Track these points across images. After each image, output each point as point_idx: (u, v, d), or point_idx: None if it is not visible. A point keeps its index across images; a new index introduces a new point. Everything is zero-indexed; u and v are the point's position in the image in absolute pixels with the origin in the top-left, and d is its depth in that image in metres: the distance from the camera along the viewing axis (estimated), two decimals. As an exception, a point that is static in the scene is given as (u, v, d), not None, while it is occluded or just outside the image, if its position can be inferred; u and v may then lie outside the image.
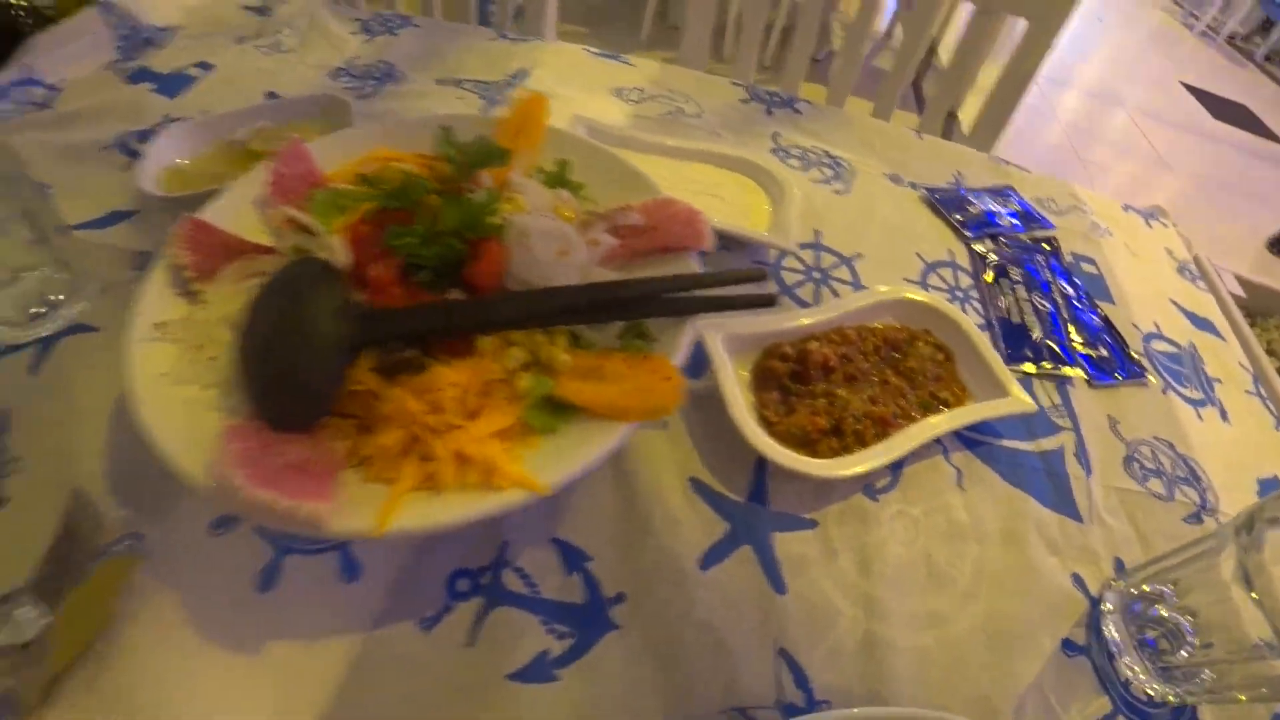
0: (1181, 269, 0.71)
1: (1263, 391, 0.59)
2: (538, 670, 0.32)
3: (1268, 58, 4.21)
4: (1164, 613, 0.39)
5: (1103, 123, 3.29)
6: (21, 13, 0.69)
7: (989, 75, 0.92)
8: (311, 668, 0.32)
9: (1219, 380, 0.58)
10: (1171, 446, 0.51)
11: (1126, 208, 0.77)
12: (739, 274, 0.39)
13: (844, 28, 2.37)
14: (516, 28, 0.85)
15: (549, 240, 0.37)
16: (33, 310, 0.46)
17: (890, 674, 0.35)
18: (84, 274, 0.49)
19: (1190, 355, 0.60)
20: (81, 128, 0.62)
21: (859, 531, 0.40)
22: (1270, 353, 0.78)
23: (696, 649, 0.34)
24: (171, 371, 0.34)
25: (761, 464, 0.41)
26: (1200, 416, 0.54)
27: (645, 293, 0.36)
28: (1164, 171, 2.95)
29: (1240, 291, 0.81)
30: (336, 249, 0.36)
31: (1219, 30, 4.43)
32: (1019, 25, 0.84)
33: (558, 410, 0.32)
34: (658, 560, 0.36)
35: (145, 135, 0.61)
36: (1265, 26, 4.32)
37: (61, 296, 0.47)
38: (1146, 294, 0.64)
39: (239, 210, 0.42)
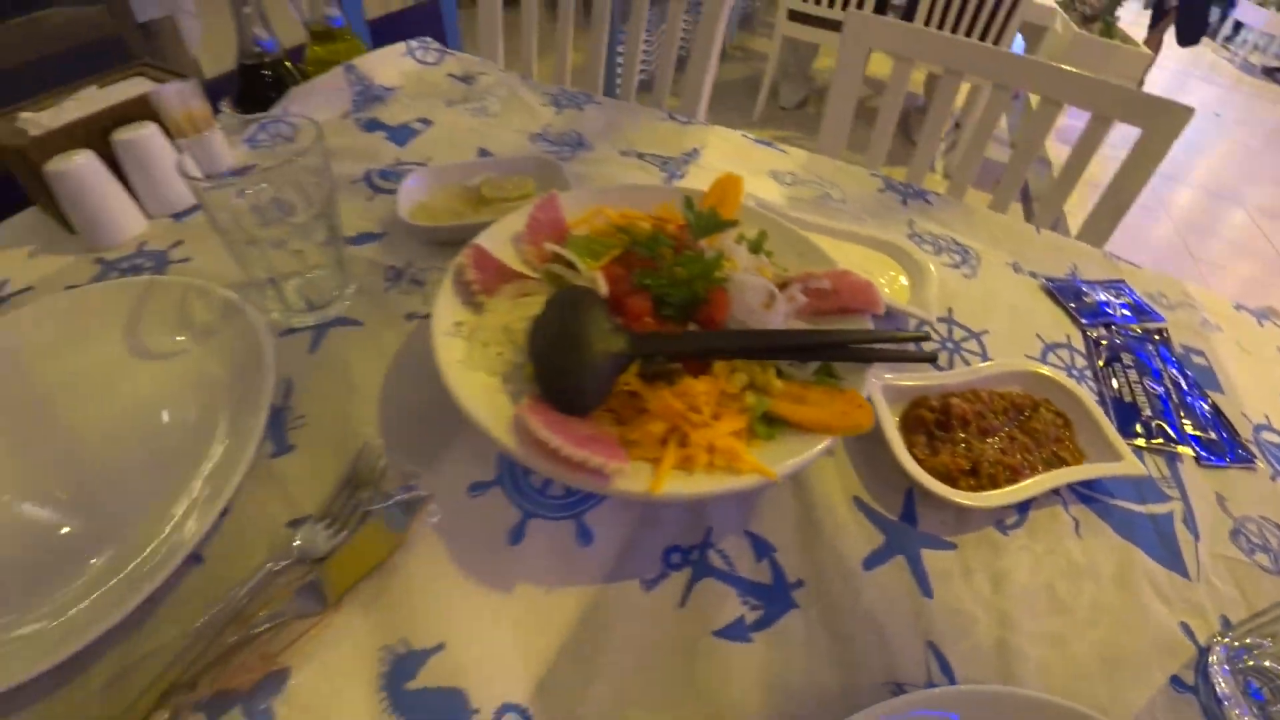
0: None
1: None
2: (736, 631, 0.41)
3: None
4: (1267, 663, 0.45)
5: (1220, 221, 3.32)
6: (290, 69, 0.86)
7: (1095, 169, 1.00)
8: (551, 609, 0.42)
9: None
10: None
11: (1238, 306, 0.83)
12: (907, 335, 0.48)
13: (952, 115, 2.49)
14: (675, 103, 1.00)
15: (758, 294, 0.47)
16: (310, 301, 0.59)
17: (1020, 678, 0.42)
18: (350, 277, 0.62)
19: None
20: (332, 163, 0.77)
21: (991, 558, 0.48)
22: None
23: (861, 631, 0.42)
24: (465, 360, 0.45)
25: (910, 492, 0.50)
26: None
27: (834, 341, 0.46)
28: (1286, 274, 2.90)
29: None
30: (599, 282, 0.47)
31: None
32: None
33: (772, 423, 0.42)
34: (829, 557, 0.45)
35: (385, 174, 0.76)
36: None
37: (335, 294, 0.60)
38: (1257, 388, 0.69)
39: (499, 243, 0.54)
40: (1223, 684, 0.46)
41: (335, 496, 0.46)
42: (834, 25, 2.65)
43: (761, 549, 0.45)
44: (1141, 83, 2.48)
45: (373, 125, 0.85)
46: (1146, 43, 2.61)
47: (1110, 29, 2.46)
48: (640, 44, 1.12)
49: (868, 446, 0.52)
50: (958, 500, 0.47)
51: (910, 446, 0.52)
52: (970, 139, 1.02)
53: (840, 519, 0.47)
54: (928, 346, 0.63)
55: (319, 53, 0.93)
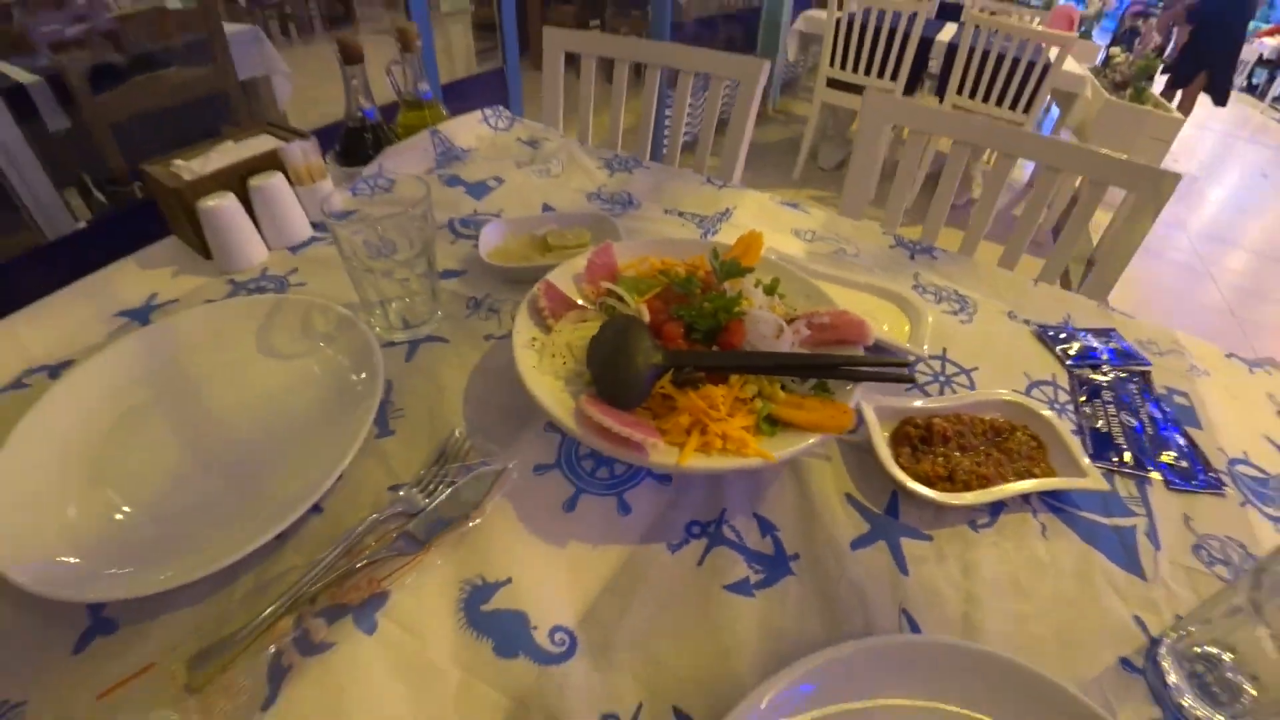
0: (1283, 411, 0.82)
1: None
2: (742, 587, 0.52)
3: None
4: (1210, 649, 0.52)
5: (1271, 284, 3.32)
6: (385, 131, 1.03)
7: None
8: (595, 560, 0.53)
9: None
10: (1243, 547, 0.61)
11: (1230, 355, 0.89)
12: (889, 360, 0.60)
13: (984, 177, 2.61)
14: (713, 164, 1.14)
15: (769, 326, 0.60)
16: (407, 320, 0.73)
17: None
18: (439, 304, 0.76)
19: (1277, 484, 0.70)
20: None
21: (963, 550, 0.57)
22: None
23: (846, 597, 0.52)
24: (537, 367, 0.58)
25: (895, 494, 0.60)
26: (1282, 532, 0.64)
27: (829, 364, 0.58)
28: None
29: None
30: (643, 313, 0.60)
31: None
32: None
33: (774, 424, 0.54)
34: (822, 538, 0.56)
35: (465, 222, 0.91)
36: None
37: (427, 316, 0.74)
38: (1238, 427, 0.75)
39: (563, 280, 0.68)
40: (1170, 670, 0.53)
41: (428, 468, 0.58)
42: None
43: (766, 527, 0.56)
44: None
45: (453, 181, 1.01)
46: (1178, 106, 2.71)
47: (1141, 95, 2.57)
48: (685, 111, 1.28)
49: (860, 455, 0.63)
50: (932, 497, 0.57)
51: (897, 457, 0.62)
52: (982, 199, 1.13)
53: (833, 510, 0.58)
54: (922, 378, 0.74)
55: (409, 118, 1.10)
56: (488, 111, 1.18)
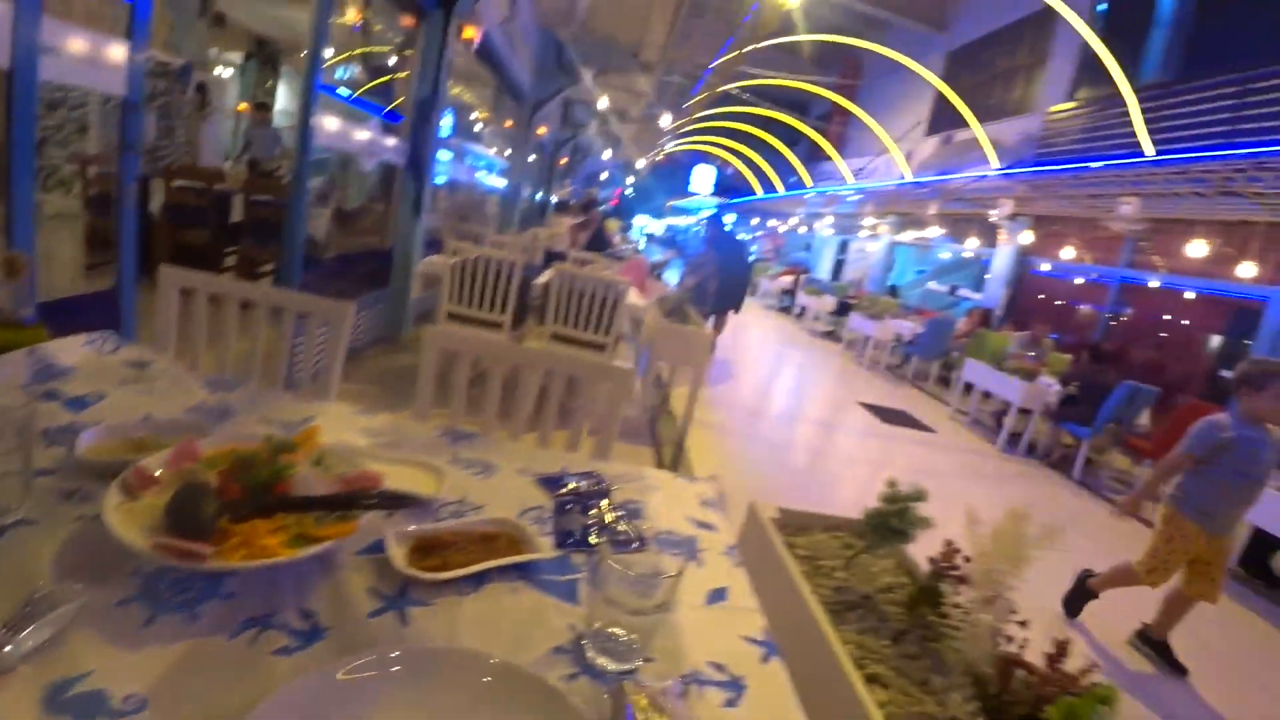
0: (705, 503, 1.37)
1: (733, 558, 1.20)
2: (285, 651, 0.79)
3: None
4: (603, 626, 0.94)
5: (830, 440, 5.72)
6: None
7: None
8: (168, 653, 0.76)
9: (704, 550, 1.19)
10: (657, 573, 1.09)
11: (677, 475, 1.46)
12: (397, 498, 0.97)
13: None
14: (313, 384, 1.49)
15: (308, 482, 0.94)
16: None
17: (449, 662, 0.86)
18: (29, 495, 0.94)
19: (688, 541, 1.20)
20: (12, 428, 1.09)
21: (453, 609, 0.92)
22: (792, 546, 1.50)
23: (363, 646, 0.83)
24: (123, 523, 0.83)
25: (405, 582, 0.95)
26: (685, 565, 1.12)
27: (348, 501, 0.94)
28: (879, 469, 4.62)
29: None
30: (212, 480, 0.89)
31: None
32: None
33: (307, 539, 0.86)
34: (348, 615, 0.87)
35: (63, 430, 1.10)
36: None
37: (18, 504, 0.92)
38: (670, 515, 1.26)
39: (153, 466, 0.94)
40: (586, 643, 0.92)
41: (15, 614, 0.76)
42: (481, 322, 3.52)
43: (308, 615, 0.85)
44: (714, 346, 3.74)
45: (51, 395, 1.19)
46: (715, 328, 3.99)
47: (684, 318, 3.75)
48: (288, 342, 1.64)
49: (382, 563, 0.96)
50: (420, 575, 0.93)
51: (411, 560, 0.98)
52: (530, 405, 1.65)
53: (359, 597, 0.90)
54: (445, 514, 1.13)
55: (6, 336, 1.25)
56: (94, 336, 1.38)
